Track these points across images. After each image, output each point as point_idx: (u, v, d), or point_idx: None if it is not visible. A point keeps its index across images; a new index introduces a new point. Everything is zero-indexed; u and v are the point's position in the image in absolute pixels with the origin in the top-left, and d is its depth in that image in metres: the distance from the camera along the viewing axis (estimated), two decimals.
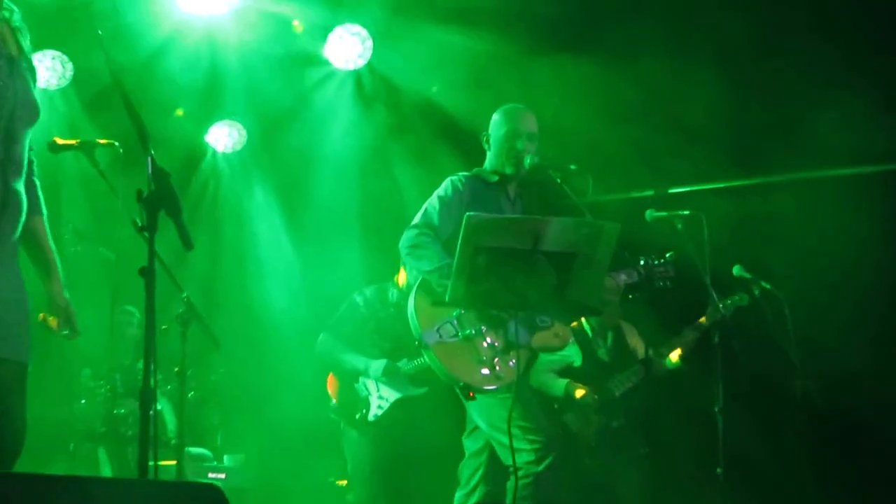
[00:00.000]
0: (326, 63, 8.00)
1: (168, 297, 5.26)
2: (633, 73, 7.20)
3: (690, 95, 7.08)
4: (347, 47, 7.92)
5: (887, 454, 6.84)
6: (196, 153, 8.87)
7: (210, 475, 7.42)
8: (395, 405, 6.63)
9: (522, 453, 4.84)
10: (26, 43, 3.66)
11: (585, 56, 7.25)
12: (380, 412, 6.61)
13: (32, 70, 3.68)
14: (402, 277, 6.85)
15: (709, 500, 5.69)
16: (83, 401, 7.22)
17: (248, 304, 8.63)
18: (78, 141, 4.51)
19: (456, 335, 4.89)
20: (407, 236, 5.05)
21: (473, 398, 4.89)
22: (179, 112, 8.50)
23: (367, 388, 6.67)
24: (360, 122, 8.43)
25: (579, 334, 6.76)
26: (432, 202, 5.14)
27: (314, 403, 7.16)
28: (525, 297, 4.67)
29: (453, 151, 7.94)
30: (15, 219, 3.53)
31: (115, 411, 7.08)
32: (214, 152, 8.89)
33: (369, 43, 7.92)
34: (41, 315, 3.76)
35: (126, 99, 3.34)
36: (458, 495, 5.32)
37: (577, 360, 6.77)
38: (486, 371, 4.85)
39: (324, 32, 7.84)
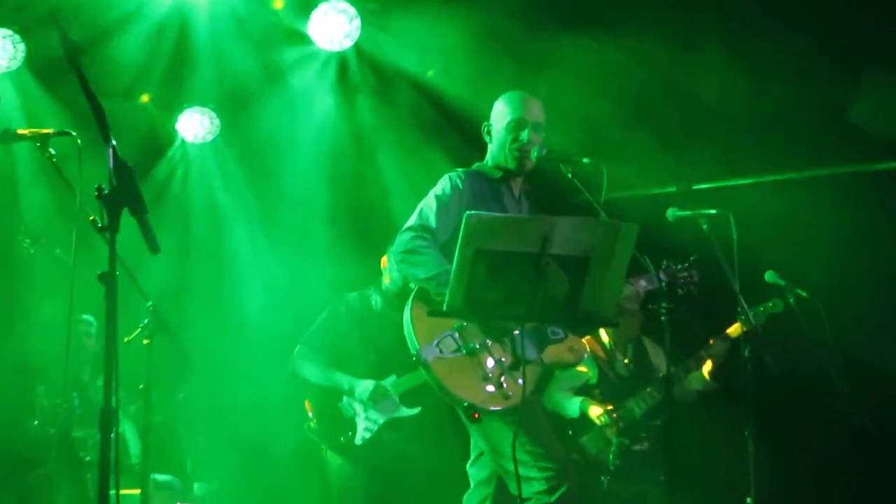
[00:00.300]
0: (309, 43, 7.98)
1: (131, 306, 5.22)
2: (650, 53, 7.20)
3: (714, 79, 7.08)
4: (333, 26, 7.89)
5: None
6: (163, 143, 8.85)
7: None
8: (386, 427, 6.61)
9: (533, 482, 4.81)
10: None
11: (594, 34, 7.26)
12: (368, 435, 6.59)
13: None
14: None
15: None
16: (36, 422, 7.19)
17: (221, 313, 8.61)
18: (30, 131, 4.48)
19: (458, 350, 4.85)
20: (400, 240, 5.01)
21: (478, 420, 4.86)
22: (145, 98, 8.48)
23: (352, 408, 6.65)
24: (344, 111, 8.42)
25: (596, 347, 6.78)
26: (428, 202, 5.10)
27: (295, 424, 7.13)
28: (533, 306, 4.62)
29: (450, 144, 7.95)
30: None
31: (72, 434, 7.05)
32: (183, 142, 8.87)
33: (357, 22, 7.90)
34: None
35: (83, 83, 3.31)
36: None
37: (594, 377, 6.79)
38: (491, 389, 4.82)
39: (307, 8, 7.82)
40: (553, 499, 4.80)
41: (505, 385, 4.81)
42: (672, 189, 7.88)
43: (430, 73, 8.08)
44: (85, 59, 3.33)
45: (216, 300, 8.71)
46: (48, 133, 4.49)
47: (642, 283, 5.47)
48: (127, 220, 3.20)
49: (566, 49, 7.31)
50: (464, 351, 4.85)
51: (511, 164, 5.24)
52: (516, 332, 4.81)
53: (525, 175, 5.32)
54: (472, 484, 5.29)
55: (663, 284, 5.34)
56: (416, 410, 6.67)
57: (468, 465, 5.31)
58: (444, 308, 4.65)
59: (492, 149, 5.33)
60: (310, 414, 6.80)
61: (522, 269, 4.58)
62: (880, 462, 6.81)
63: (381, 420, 6.61)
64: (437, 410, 6.24)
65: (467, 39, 7.48)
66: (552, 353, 4.98)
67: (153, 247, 3.24)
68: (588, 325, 5.22)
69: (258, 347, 8.32)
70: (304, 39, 7.98)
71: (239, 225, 8.91)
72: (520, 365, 4.78)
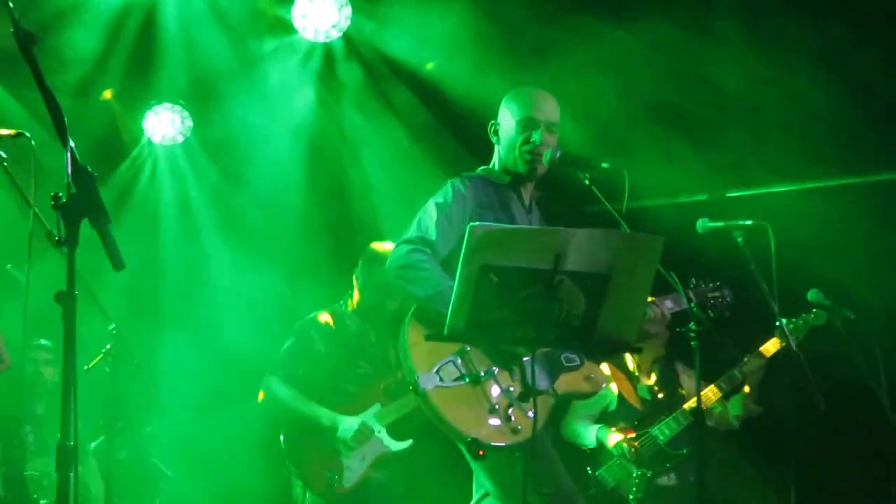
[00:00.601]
0: (291, 31, 8.00)
1: (92, 329, 5.22)
2: (666, 40, 7.22)
3: (739, 71, 7.10)
4: (319, 14, 7.91)
5: None
6: (127, 144, 8.86)
7: None
8: (374, 466, 6.60)
9: None
10: None
11: (605, 19, 7.27)
12: (355, 477, 6.57)
13: None
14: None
15: None
16: None
17: (194, 336, 8.60)
18: None
19: (460, 378, 4.85)
20: (397, 254, 5.02)
21: (483, 457, 4.84)
22: (107, 94, 8.49)
23: (336, 448, 6.63)
24: (329, 110, 8.45)
25: (618, 369, 6.80)
26: (428, 211, 5.11)
27: (274, 462, 7.13)
28: (545, 329, 4.63)
29: (449, 147, 7.95)
30: None
31: (25, 473, 7.04)
32: (150, 143, 8.88)
33: (347, 11, 7.92)
34: None
35: (38, 77, 3.31)
36: None
37: (613, 403, 6.82)
38: (497, 422, 4.82)
39: None
40: None
41: (513, 418, 4.81)
42: (703, 197, 7.88)
43: (429, 66, 8.09)
44: (39, 50, 3.33)
45: (188, 321, 8.71)
46: None
47: (668, 303, 5.47)
48: (87, 232, 3.20)
49: (575, 37, 7.33)
50: (467, 379, 4.85)
51: (521, 169, 5.25)
52: (526, 358, 4.81)
53: (536, 181, 5.33)
54: None
55: (692, 305, 5.34)
56: (406, 444, 6.67)
57: None
58: (446, 331, 4.65)
59: (499, 151, 5.34)
60: (288, 452, 6.78)
61: (533, 287, 4.58)
62: None
63: (370, 458, 6.60)
64: (433, 444, 6.22)
65: (469, 28, 7.51)
66: (566, 381, 4.98)
67: (117, 262, 3.24)
68: (607, 351, 5.21)
69: (236, 374, 8.30)
70: (286, 27, 8.00)
71: (212, 236, 8.94)
72: (530, 395, 4.77)
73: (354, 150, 8.61)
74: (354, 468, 6.58)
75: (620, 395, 6.88)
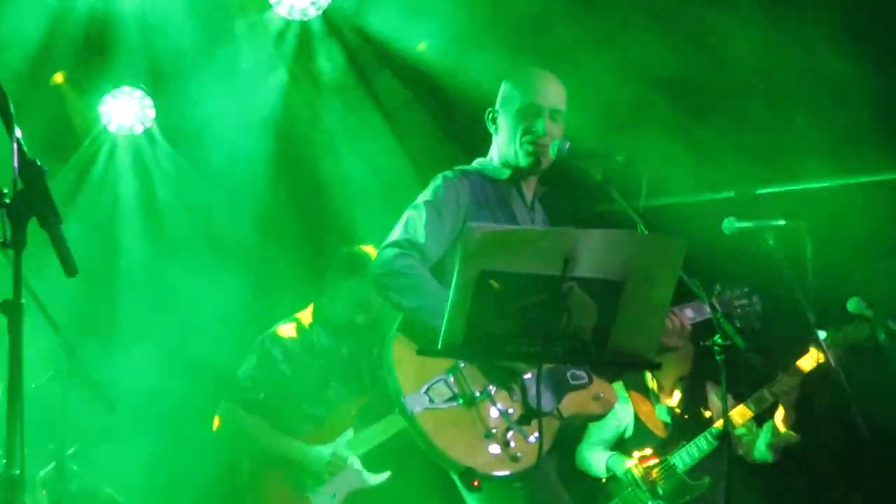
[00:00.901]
0: (266, 7, 8.01)
1: (42, 343, 5.22)
2: (678, 13, 7.24)
3: (786, 50, 7.10)
4: None
5: None
6: (79, 133, 8.86)
7: None
8: (347, 502, 6.61)
9: None
10: None
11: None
12: None
13: None
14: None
15: None
16: None
17: (157, 349, 8.58)
18: None
19: (453, 399, 4.88)
20: (381, 259, 5.03)
21: (478, 488, 4.86)
22: (58, 77, 8.49)
23: (306, 484, 6.63)
24: (306, 96, 8.48)
25: (636, 388, 6.81)
26: (417, 210, 5.13)
27: (240, 492, 7.13)
28: (551, 343, 4.61)
29: (443, 139, 7.93)
30: None
31: None
32: (106, 132, 8.88)
33: None
34: None
35: None
36: None
37: (630, 428, 6.83)
38: (496, 450, 4.84)
39: None
40: None
41: (513, 444, 4.84)
42: (730, 194, 7.88)
43: (421, 47, 8.10)
44: None
45: (148, 333, 8.66)
46: None
47: (689, 313, 5.48)
48: (36, 232, 3.21)
49: (601, 18, 7.36)
50: (460, 401, 4.89)
51: (522, 162, 5.27)
52: (528, 375, 4.85)
53: (541, 175, 5.36)
54: None
55: (717, 315, 5.35)
56: (383, 477, 6.67)
57: None
58: (440, 346, 4.60)
59: (498, 142, 5.36)
60: (249, 487, 6.78)
61: (539, 295, 4.56)
62: None
63: (340, 496, 6.60)
64: (418, 473, 6.22)
65: (465, 5, 7.53)
66: (573, 402, 5.03)
67: (69, 267, 3.25)
68: (621, 368, 5.25)
69: (202, 392, 8.27)
70: (258, 3, 8.00)
71: (176, 236, 8.91)
72: (532, 418, 4.81)
73: (332, 143, 8.62)
74: None
75: (638, 419, 6.88)
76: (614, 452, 6.80)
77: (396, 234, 5.09)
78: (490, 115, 5.37)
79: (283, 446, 6.66)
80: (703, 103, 7.56)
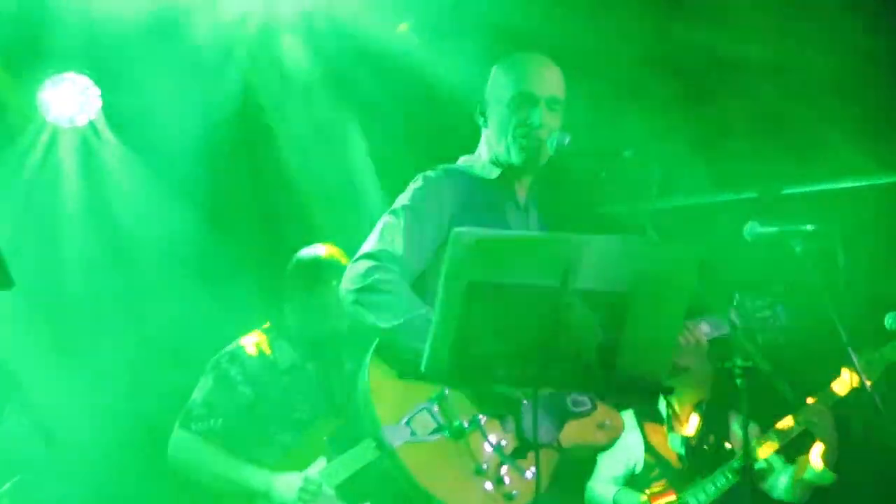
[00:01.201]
0: None
1: None
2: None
3: (810, 30, 7.13)
4: None
5: None
6: (15, 127, 8.84)
7: None
8: None
9: None
10: None
11: None
12: None
13: None
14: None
15: None
16: None
17: (99, 368, 8.58)
18: None
19: (438, 430, 4.84)
20: (353, 274, 5.00)
21: None
22: None
23: None
24: (269, 82, 8.49)
25: (648, 416, 6.81)
26: (394, 216, 5.12)
27: None
28: (549, 366, 4.58)
29: (426, 131, 7.94)
30: None
31: None
32: (45, 124, 8.85)
33: None
34: None
35: None
36: None
37: (640, 461, 6.83)
38: (488, 487, 4.82)
39: None
40: None
41: (507, 480, 4.82)
42: (752, 195, 7.87)
43: (403, 27, 8.11)
44: None
45: (93, 350, 8.68)
46: None
47: (705, 328, 5.50)
48: None
49: None
50: (447, 432, 4.85)
51: (516, 158, 5.27)
52: (524, 402, 4.83)
53: (536, 174, 5.35)
54: None
55: (737, 331, 5.33)
56: None
57: None
58: (423, 370, 4.58)
59: (487, 136, 5.36)
60: None
61: (535, 310, 4.54)
62: None
63: None
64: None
65: None
66: (575, 432, 5.01)
67: (4, 278, 3.23)
68: (628, 393, 5.20)
69: (155, 418, 8.26)
70: None
71: (124, 241, 8.93)
72: (528, 451, 4.80)
73: (297, 135, 8.68)
74: None
75: (651, 450, 6.86)
76: (623, 488, 6.79)
77: (370, 244, 5.06)
78: (479, 107, 5.36)
79: (246, 477, 6.64)
80: (719, 90, 7.55)
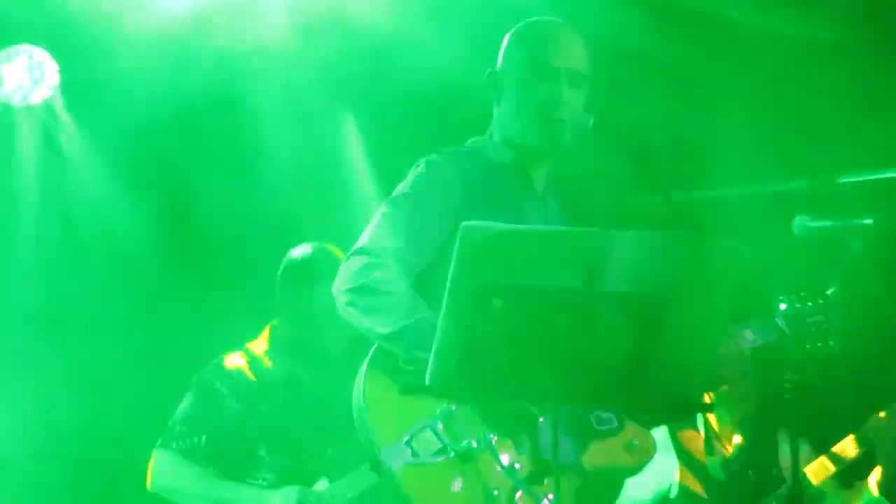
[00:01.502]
0: None
1: None
2: None
3: None
4: None
5: None
6: None
7: None
8: None
9: None
10: None
11: None
12: None
13: None
14: (259, 344, 6.93)
15: None
16: None
17: (48, 387, 8.58)
18: None
19: (443, 451, 4.83)
20: (347, 272, 5.00)
21: None
22: None
23: None
24: (249, 58, 8.52)
25: (685, 435, 6.79)
26: (394, 206, 5.14)
27: None
28: (573, 378, 4.56)
29: (425, 110, 7.95)
30: None
31: None
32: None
33: None
34: None
35: None
36: None
37: (675, 485, 6.82)
38: None
39: None
40: None
41: None
42: (802, 184, 7.85)
43: None
44: None
45: (44, 368, 8.67)
46: None
47: (749, 335, 5.49)
48: None
49: None
50: (453, 453, 4.83)
51: (533, 140, 5.27)
52: (541, 419, 4.84)
53: (556, 159, 5.36)
54: None
55: (786, 338, 5.32)
56: None
57: None
58: (428, 383, 4.54)
59: (500, 114, 5.36)
60: None
61: (555, 315, 4.53)
62: None
63: None
64: None
65: None
66: (599, 453, 5.02)
67: None
68: (660, 409, 5.21)
69: (118, 447, 8.27)
70: None
71: (87, 239, 8.94)
72: (546, 475, 4.80)
73: (280, 119, 8.69)
74: None
75: (684, 471, 6.85)
76: None
77: (366, 237, 5.06)
78: (490, 79, 5.35)
79: (236, 497, 6.69)
80: (766, 64, 7.54)
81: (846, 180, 7.80)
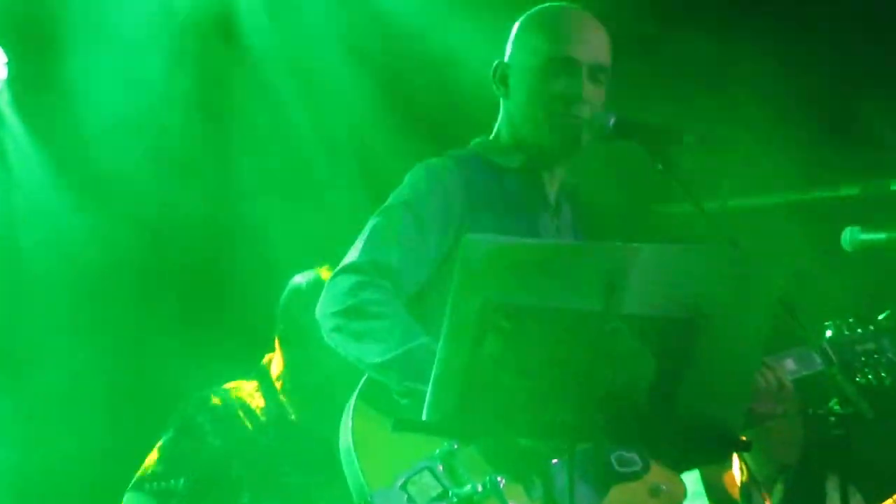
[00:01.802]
0: None
1: None
2: None
3: None
4: None
5: None
6: None
7: None
8: None
9: None
10: None
11: None
12: None
13: None
14: (275, 365, 6.95)
15: None
16: None
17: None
18: None
19: (443, 496, 4.83)
20: (334, 292, 4.99)
21: None
22: None
23: None
24: (220, 59, 8.59)
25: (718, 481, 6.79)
26: (387, 216, 5.13)
27: None
28: (589, 411, 4.56)
29: (424, 113, 7.97)
30: None
31: None
32: None
33: None
34: None
35: None
36: None
37: None
38: None
39: None
40: None
41: None
42: (852, 191, 7.84)
43: None
44: None
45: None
46: None
47: (790, 365, 5.47)
48: None
49: None
50: (455, 498, 4.82)
51: (547, 140, 5.27)
52: (555, 461, 4.82)
53: (572, 162, 5.36)
54: None
55: (833, 368, 5.30)
56: None
57: None
58: (426, 417, 4.52)
59: (509, 112, 5.36)
60: None
61: (569, 341, 4.52)
62: None
63: None
64: None
65: None
66: (621, 499, 5.01)
67: None
68: (690, 448, 5.19)
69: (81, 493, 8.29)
70: None
71: (31, 264, 8.93)
72: None
73: (254, 130, 8.72)
74: None
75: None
76: None
77: (355, 252, 5.05)
78: (498, 72, 5.35)
79: None
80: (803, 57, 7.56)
81: None
